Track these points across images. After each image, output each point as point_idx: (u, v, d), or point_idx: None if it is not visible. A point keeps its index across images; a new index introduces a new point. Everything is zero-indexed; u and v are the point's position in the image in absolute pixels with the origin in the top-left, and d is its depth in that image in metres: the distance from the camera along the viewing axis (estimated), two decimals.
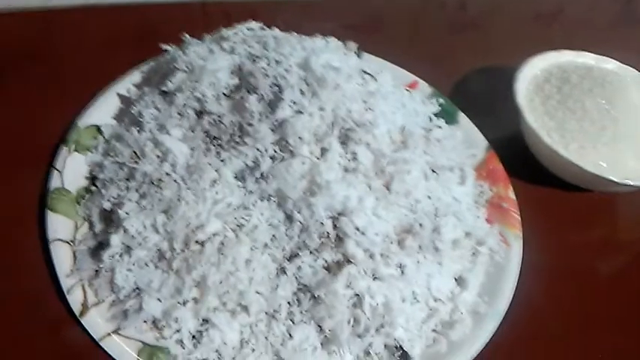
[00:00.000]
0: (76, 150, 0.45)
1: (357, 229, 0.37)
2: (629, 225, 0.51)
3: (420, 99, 0.50)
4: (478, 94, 0.59)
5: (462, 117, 0.52)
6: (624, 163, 0.47)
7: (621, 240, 0.50)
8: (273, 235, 0.38)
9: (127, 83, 0.50)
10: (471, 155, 0.49)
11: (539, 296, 0.44)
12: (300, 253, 0.38)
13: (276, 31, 0.47)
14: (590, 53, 0.55)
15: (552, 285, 0.45)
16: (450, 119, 0.51)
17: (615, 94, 0.50)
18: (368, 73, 0.43)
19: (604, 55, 0.55)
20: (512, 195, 0.48)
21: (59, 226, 0.41)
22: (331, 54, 0.42)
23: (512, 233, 0.45)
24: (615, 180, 0.45)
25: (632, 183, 0.45)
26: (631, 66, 0.55)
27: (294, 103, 0.39)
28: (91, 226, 0.41)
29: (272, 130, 0.39)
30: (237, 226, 0.38)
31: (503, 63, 0.61)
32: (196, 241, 0.37)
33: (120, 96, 0.49)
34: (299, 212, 0.38)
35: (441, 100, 0.51)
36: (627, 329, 0.44)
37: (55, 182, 0.43)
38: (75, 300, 0.38)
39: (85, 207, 0.42)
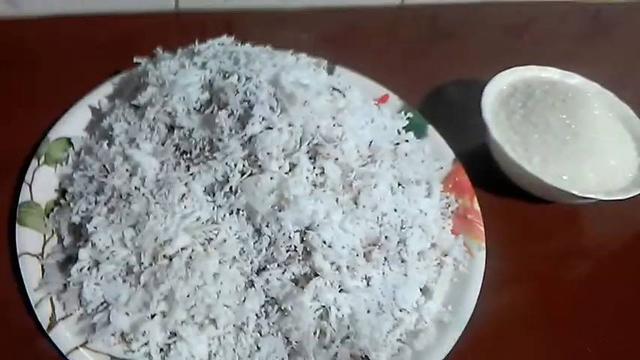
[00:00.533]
0: (45, 162, 0.45)
1: (325, 242, 0.38)
2: (590, 235, 0.53)
3: (390, 113, 0.51)
4: (448, 106, 0.60)
5: (431, 130, 0.53)
6: (585, 176, 0.49)
7: (582, 249, 0.52)
8: (242, 249, 0.39)
9: (99, 95, 0.50)
10: (438, 168, 0.50)
11: (502, 305, 0.45)
12: (268, 267, 0.39)
13: (248, 47, 0.48)
14: (555, 68, 0.57)
15: (515, 294, 0.47)
16: (420, 132, 0.52)
17: (577, 109, 0.52)
18: (337, 89, 0.44)
19: (572, 67, 0.57)
20: (477, 207, 0.49)
21: (28, 239, 0.41)
22: (301, 71, 0.43)
23: (476, 244, 0.46)
24: (576, 193, 0.47)
25: (591, 196, 0.47)
26: (598, 78, 0.57)
27: (264, 119, 0.40)
28: (60, 239, 0.42)
29: (242, 146, 0.40)
30: (206, 240, 0.38)
31: (474, 74, 0.62)
32: (164, 256, 0.37)
33: (91, 108, 0.49)
34: (267, 226, 0.38)
35: (410, 114, 0.52)
36: (590, 336, 0.45)
37: (24, 196, 0.43)
38: (43, 314, 0.38)
39: (54, 220, 0.42)
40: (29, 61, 0.57)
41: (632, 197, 0.48)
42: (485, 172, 0.52)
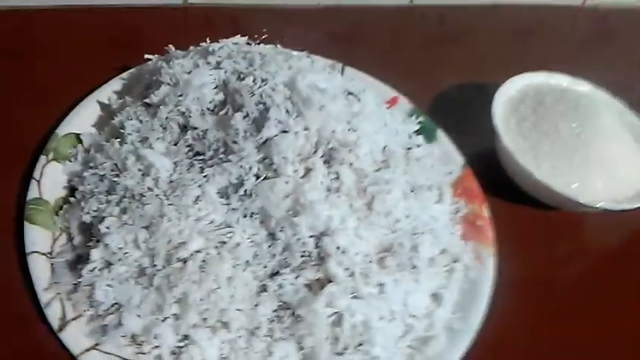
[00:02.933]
0: (54, 159, 0.45)
1: (339, 248, 0.38)
2: (597, 242, 0.53)
3: (401, 117, 0.51)
4: (455, 109, 0.60)
5: (441, 134, 0.53)
6: (594, 185, 0.49)
7: (589, 256, 0.52)
8: (256, 253, 0.39)
9: (108, 91, 0.49)
10: (447, 172, 0.50)
11: (512, 311, 0.45)
12: (281, 271, 0.38)
13: (262, 47, 0.47)
14: (564, 75, 0.57)
15: (525, 300, 0.47)
16: (429, 136, 0.52)
17: (587, 117, 0.52)
18: (352, 94, 0.44)
19: (579, 72, 0.57)
20: (486, 213, 0.49)
21: (37, 237, 0.41)
22: (316, 74, 0.43)
23: (486, 250, 0.46)
24: (584, 202, 0.47)
25: (600, 205, 0.47)
26: (605, 84, 0.57)
27: (280, 122, 0.39)
28: (70, 238, 0.41)
29: (257, 149, 0.39)
30: (220, 243, 0.38)
31: (481, 77, 0.62)
32: (178, 258, 0.37)
33: (100, 104, 0.49)
34: (282, 231, 0.38)
35: (421, 118, 0.52)
36: (600, 343, 0.46)
37: (32, 192, 0.42)
38: (53, 314, 0.38)
39: (63, 218, 0.42)
40: (36, 54, 0.56)
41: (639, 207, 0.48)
42: (495, 178, 0.52)
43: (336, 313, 0.38)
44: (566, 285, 0.50)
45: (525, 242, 0.50)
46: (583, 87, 0.57)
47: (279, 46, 0.51)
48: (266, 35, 0.52)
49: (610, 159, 0.50)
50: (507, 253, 0.47)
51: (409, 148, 0.47)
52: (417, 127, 0.50)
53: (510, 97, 0.55)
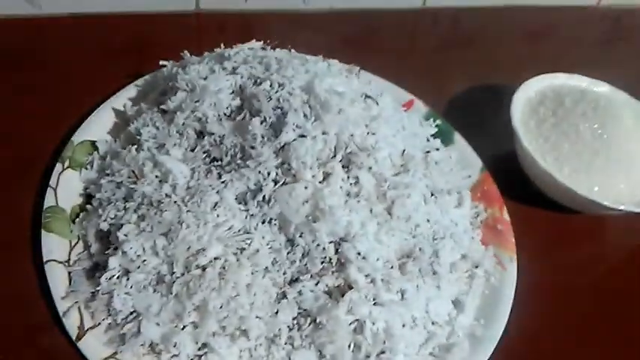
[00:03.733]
0: (70, 166, 0.44)
1: (359, 254, 0.37)
2: (620, 245, 0.52)
3: (419, 120, 0.50)
4: (471, 111, 0.59)
5: (458, 137, 0.52)
6: (616, 186, 0.48)
7: (613, 260, 0.51)
8: (275, 259, 0.38)
9: (123, 98, 0.49)
10: (466, 176, 0.50)
11: (534, 317, 0.44)
12: (301, 278, 0.38)
13: (278, 52, 0.47)
14: (582, 76, 0.56)
15: (546, 305, 0.46)
16: (446, 139, 0.52)
17: (608, 118, 0.51)
18: (369, 97, 0.43)
19: (594, 74, 0.57)
20: (506, 217, 0.48)
21: (54, 246, 0.40)
22: (334, 78, 0.42)
23: (507, 255, 0.46)
24: (607, 205, 0.46)
25: (623, 207, 0.46)
26: (620, 84, 0.56)
27: (298, 126, 0.39)
28: (87, 246, 0.41)
29: (275, 154, 0.39)
30: (239, 250, 0.38)
31: (496, 79, 0.62)
32: (197, 266, 0.37)
33: (115, 111, 0.48)
34: (301, 237, 0.38)
35: (438, 121, 0.51)
36: (622, 348, 0.45)
37: (49, 200, 0.42)
38: (71, 323, 0.37)
39: (80, 226, 0.41)
40: (47, 61, 0.56)
41: None
42: (514, 181, 0.52)
43: (357, 320, 0.37)
44: (589, 289, 0.48)
45: (547, 246, 0.49)
46: (602, 88, 0.56)
47: (292, 50, 0.51)
48: (278, 40, 0.52)
49: (632, 160, 0.50)
50: (528, 257, 0.46)
51: (427, 152, 0.47)
52: (434, 130, 0.50)
53: (529, 98, 0.54)
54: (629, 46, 0.77)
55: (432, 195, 0.43)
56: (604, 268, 0.50)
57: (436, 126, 0.51)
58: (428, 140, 0.49)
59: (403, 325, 0.38)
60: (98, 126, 0.47)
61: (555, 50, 0.73)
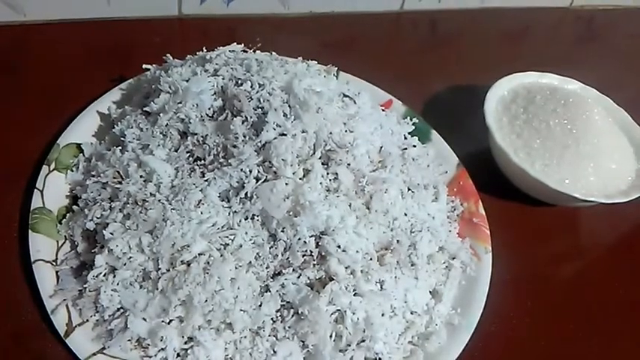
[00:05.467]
0: (56, 168, 0.45)
1: (339, 247, 0.39)
2: (591, 236, 0.54)
3: (396, 119, 0.52)
4: (448, 110, 0.61)
5: (435, 135, 0.54)
6: (586, 179, 0.50)
7: (584, 249, 0.53)
8: (258, 254, 0.39)
9: (107, 101, 0.50)
10: (442, 172, 0.51)
11: (509, 306, 0.46)
12: (283, 271, 0.39)
13: (259, 54, 0.48)
14: (553, 74, 0.59)
15: (521, 295, 0.48)
16: (423, 137, 0.53)
17: (577, 114, 0.53)
18: (348, 96, 0.45)
19: (568, 73, 0.59)
20: (482, 210, 0.50)
21: (41, 246, 0.41)
22: (312, 78, 0.44)
23: (483, 247, 0.47)
24: (578, 197, 0.48)
25: (593, 199, 0.49)
26: (593, 82, 0.58)
27: (278, 125, 0.40)
28: (74, 245, 0.42)
29: (256, 152, 0.40)
30: (222, 245, 0.39)
31: (472, 79, 0.64)
32: (182, 261, 0.38)
33: (100, 114, 0.49)
34: (283, 231, 0.39)
35: (415, 120, 0.53)
36: (595, 336, 0.47)
37: (36, 202, 0.43)
38: (59, 320, 0.38)
39: (67, 226, 0.42)
40: (33, 67, 0.57)
41: (631, 200, 0.49)
42: (488, 176, 0.53)
43: (338, 310, 0.38)
44: (562, 279, 0.51)
45: (520, 238, 0.51)
46: (572, 85, 0.58)
47: (274, 53, 0.53)
48: (260, 44, 0.54)
49: (601, 153, 0.52)
50: (503, 248, 0.48)
51: (405, 149, 0.48)
52: (412, 128, 0.51)
53: (502, 96, 0.56)
54: (601, 45, 0.80)
55: (409, 190, 0.45)
56: (576, 258, 0.52)
57: (414, 124, 0.52)
58: (405, 138, 0.51)
59: (382, 315, 0.39)
60: (83, 129, 0.48)
61: (530, 50, 0.75)
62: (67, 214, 0.43)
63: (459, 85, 0.65)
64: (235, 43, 0.50)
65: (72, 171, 0.46)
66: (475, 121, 0.54)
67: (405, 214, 0.43)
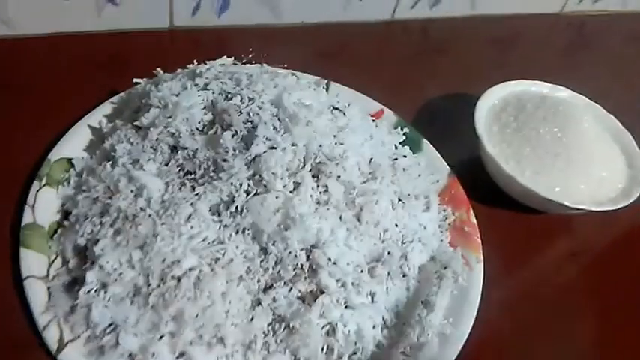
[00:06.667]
0: (47, 184, 0.45)
1: (330, 259, 0.39)
2: (584, 243, 0.55)
3: (387, 129, 0.52)
4: (439, 119, 0.62)
5: (426, 144, 0.54)
6: (576, 187, 0.51)
7: (575, 257, 0.53)
8: (249, 268, 0.39)
9: (98, 115, 0.50)
10: (434, 181, 0.52)
11: (501, 315, 0.46)
12: (274, 285, 0.39)
13: (249, 67, 0.48)
14: (544, 82, 0.59)
15: (512, 303, 0.48)
16: (415, 147, 0.53)
17: (567, 122, 0.53)
18: (337, 109, 0.45)
19: (559, 79, 0.59)
20: (473, 219, 0.50)
21: (32, 262, 0.41)
22: (302, 91, 0.44)
23: (474, 256, 0.47)
24: (567, 204, 0.48)
25: (584, 207, 0.49)
26: (584, 89, 0.59)
27: (268, 139, 0.41)
28: (65, 261, 0.42)
29: (246, 166, 0.40)
30: (213, 259, 0.39)
31: (464, 88, 0.64)
32: (172, 276, 0.38)
33: (91, 128, 0.49)
34: (273, 245, 0.39)
35: (406, 130, 0.53)
36: (589, 344, 0.47)
37: (27, 218, 0.43)
38: (51, 336, 0.38)
39: (58, 242, 0.42)
40: (23, 80, 0.56)
41: (621, 208, 0.49)
42: (479, 185, 0.54)
43: (329, 323, 0.38)
44: (553, 286, 0.51)
45: (512, 246, 0.51)
46: (562, 93, 0.59)
47: (265, 65, 0.53)
48: (252, 55, 0.54)
49: (591, 161, 0.52)
50: (495, 257, 0.48)
51: (395, 159, 0.48)
52: (403, 138, 0.52)
53: (492, 105, 0.56)
54: (592, 52, 0.80)
55: (400, 200, 0.45)
56: (568, 265, 0.53)
57: (404, 134, 0.53)
58: (396, 148, 0.51)
59: (374, 327, 0.39)
60: (74, 144, 0.48)
61: (521, 57, 0.75)
62: (59, 230, 0.43)
63: (451, 93, 0.66)
64: (226, 57, 0.50)
65: (63, 186, 0.46)
66: (467, 129, 0.55)
67: (396, 225, 0.44)
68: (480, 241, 0.48)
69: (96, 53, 0.61)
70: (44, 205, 0.44)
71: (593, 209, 0.49)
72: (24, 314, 0.40)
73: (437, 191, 0.51)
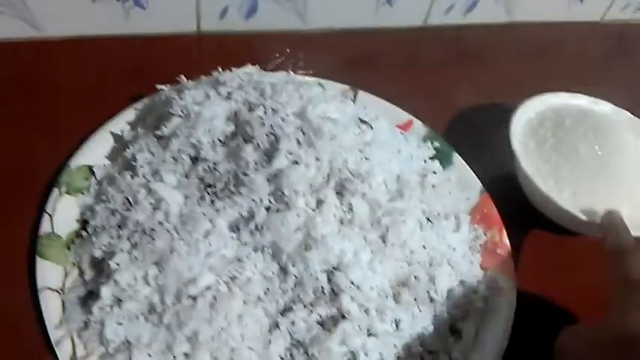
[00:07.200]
0: (67, 192, 0.44)
1: (353, 283, 0.37)
2: None
3: (416, 142, 0.50)
4: (472, 131, 0.59)
5: (457, 158, 0.52)
6: (618, 209, 0.47)
7: None
8: (267, 288, 0.38)
9: (121, 121, 0.49)
10: (465, 199, 0.49)
11: (533, 343, 0.43)
12: (294, 307, 0.37)
13: (273, 76, 0.47)
14: (584, 95, 0.56)
15: (546, 330, 0.45)
16: (445, 160, 0.51)
17: (609, 139, 0.50)
18: (364, 122, 0.43)
19: (597, 89, 0.56)
20: (506, 240, 0.47)
21: (49, 273, 0.40)
22: (327, 103, 0.42)
23: (506, 280, 0.45)
24: None
25: None
26: (624, 101, 0.55)
27: (291, 153, 0.39)
28: (81, 273, 0.41)
29: (268, 181, 0.39)
30: (231, 278, 0.37)
31: (498, 98, 0.62)
32: (188, 296, 0.36)
33: (113, 135, 0.49)
34: (293, 265, 0.37)
35: (436, 143, 0.50)
36: None
37: (45, 227, 0.42)
38: (64, 353, 0.37)
39: (75, 253, 0.41)
40: (48, 85, 0.56)
41: None
42: (513, 203, 0.51)
43: (350, 352, 0.36)
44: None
45: (547, 270, 0.48)
46: (604, 107, 0.55)
47: (291, 72, 0.51)
48: (279, 61, 0.52)
49: (634, 182, 0.49)
50: (529, 281, 0.45)
51: (424, 175, 0.46)
52: (432, 152, 0.49)
53: (529, 119, 0.53)
54: (633, 61, 0.76)
55: (429, 220, 0.43)
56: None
57: (434, 148, 0.50)
58: (425, 162, 0.49)
59: (398, 357, 0.37)
60: (95, 150, 0.47)
61: (559, 67, 0.72)
62: (76, 240, 0.42)
63: (484, 103, 0.63)
64: (250, 64, 0.48)
65: (83, 194, 0.45)
66: (501, 143, 0.52)
67: (424, 247, 0.41)
68: (513, 265, 0.46)
69: (122, 57, 0.60)
70: (63, 213, 0.43)
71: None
72: (38, 326, 0.39)
73: (468, 210, 0.48)
